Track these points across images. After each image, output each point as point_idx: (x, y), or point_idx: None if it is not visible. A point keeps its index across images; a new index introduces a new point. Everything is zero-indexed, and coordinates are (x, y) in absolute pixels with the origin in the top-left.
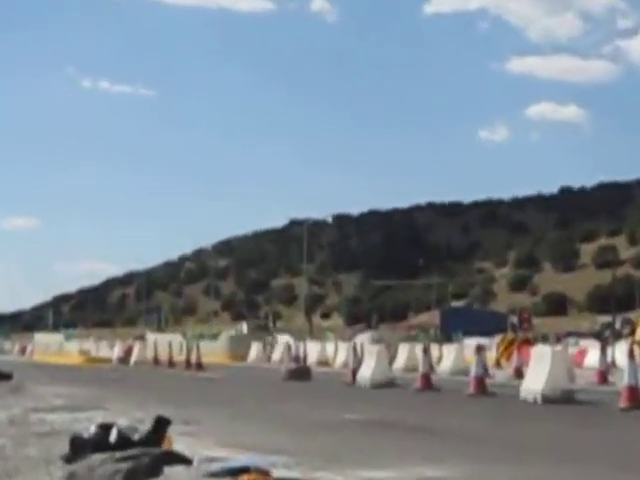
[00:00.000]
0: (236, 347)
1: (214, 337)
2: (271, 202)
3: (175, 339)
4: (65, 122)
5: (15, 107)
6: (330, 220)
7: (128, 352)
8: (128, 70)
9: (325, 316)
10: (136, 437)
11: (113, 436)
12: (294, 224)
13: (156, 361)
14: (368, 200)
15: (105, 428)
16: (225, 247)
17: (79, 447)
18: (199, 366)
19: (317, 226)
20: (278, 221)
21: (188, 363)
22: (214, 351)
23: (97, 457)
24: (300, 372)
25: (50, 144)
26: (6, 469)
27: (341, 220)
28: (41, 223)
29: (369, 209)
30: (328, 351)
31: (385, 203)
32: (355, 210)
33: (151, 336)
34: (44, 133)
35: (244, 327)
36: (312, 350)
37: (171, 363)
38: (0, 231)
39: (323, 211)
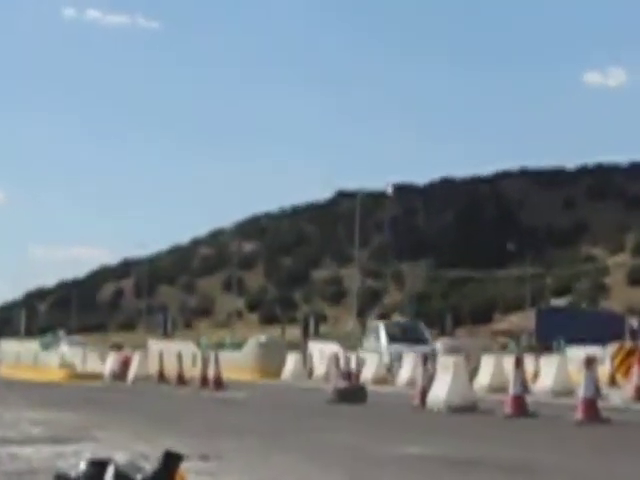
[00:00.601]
0: (267, 359)
1: (238, 346)
2: (311, 168)
3: (186, 348)
4: (39, 63)
5: None
6: (390, 192)
7: (125, 365)
8: None
9: (383, 317)
10: (139, 478)
11: (109, 476)
12: (342, 197)
13: (162, 377)
14: (439, 165)
15: (98, 466)
16: (251, 227)
17: None
18: (218, 384)
19: (372, 199)
20: (321, 193)
21: (204, 380)
22: (238, 364)
23: None
24: (352, 392)
25: (20, 91)
26: None
27: (404, 192)
28: (8, 196)
29: (440, 177)
30: (388, 364)
31: (462, 169)
32: (422, 179)
33: (155, 344)
34: (10, 76)
35: (276, 333)
36: (367, 363)
37: (181, 380)
38: None
39: (380, 180)
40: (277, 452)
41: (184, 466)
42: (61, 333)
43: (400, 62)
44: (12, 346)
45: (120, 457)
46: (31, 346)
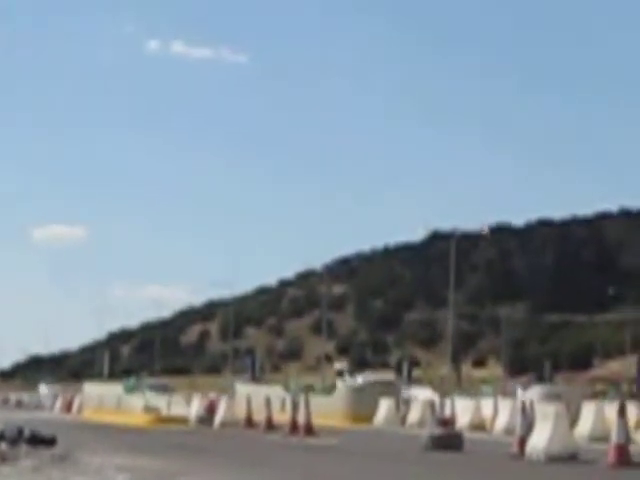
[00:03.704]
0: (358, 404)
1: (328, 391)
2: (405, 207)
3: (275, 393)
4: (122, 95)
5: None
6: (486, 232)
7: (211, 410)
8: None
9: (479, 363)
10: None
11: None
12: (436, 238)
13: (249, 422)
14: (537, 205)
15: None
16: (342, 268)
17: None
18: (309, 429)
19: (468, 240)
20: (415, 234)
21: (294, 425)
22: (328, 409)
23: None
24: (447, 439)
25: (103, 124)
26: None
27: (500, 233)
28: (90, 233)
29: (538, 218)
30: (484, 411)
31: (560, 209)
32: (519, 219)
33: (242, 388)
34: (95, 107)
35: (368, 377)
36: (462, 409)
37: (270, 425)
38: (34, 242)
39: (476, 220)
40: None
41: None
42: (145, 378)
43: (495, 99)
44: (95, 389)
45: None
46: (115, 389)
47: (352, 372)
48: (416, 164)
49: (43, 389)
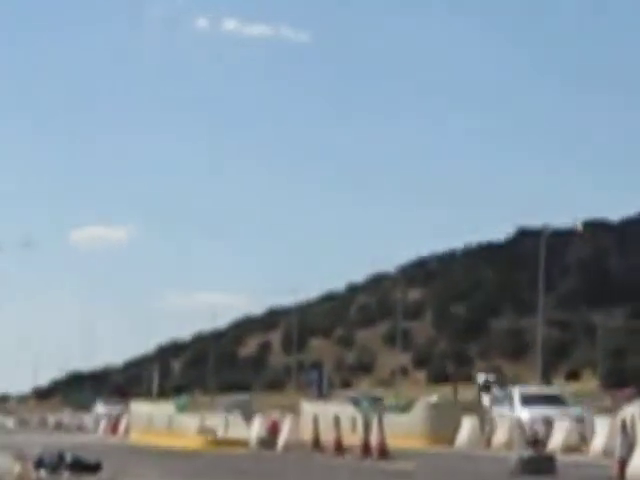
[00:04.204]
0: (438, 424)
1: (404, 408)
2: (489, 204)
3: (344, 411)
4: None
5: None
6: (579, 229)
7: (274, 431)
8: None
9: (572, 376)
10: None
11: None
12: (524, 235)
13: (316, 444)
14: (634, 200)
15: None
16: (418, 271)
17: None
18: (383, 452)
19: (559, 239)
20: (500, 232)
21: (366, 448)
22: (404, 429)
23: None
24: (539, 462)
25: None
26: None
27: (596, 230)
28: (137, 235)
29: (636, 212)
30: (579, 430)
31: None
32: (616, 215)
33: (308, 407)
34: (134, 91)
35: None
36: (555, 428)
37: (339, 447)
38: (73, 244)
39: (568, 217)
40: None
41: None
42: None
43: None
44: (144, 408)
45: None
46: (165, 408)
47: (501, 383)
48: (497, 155)
49: (100, 408)
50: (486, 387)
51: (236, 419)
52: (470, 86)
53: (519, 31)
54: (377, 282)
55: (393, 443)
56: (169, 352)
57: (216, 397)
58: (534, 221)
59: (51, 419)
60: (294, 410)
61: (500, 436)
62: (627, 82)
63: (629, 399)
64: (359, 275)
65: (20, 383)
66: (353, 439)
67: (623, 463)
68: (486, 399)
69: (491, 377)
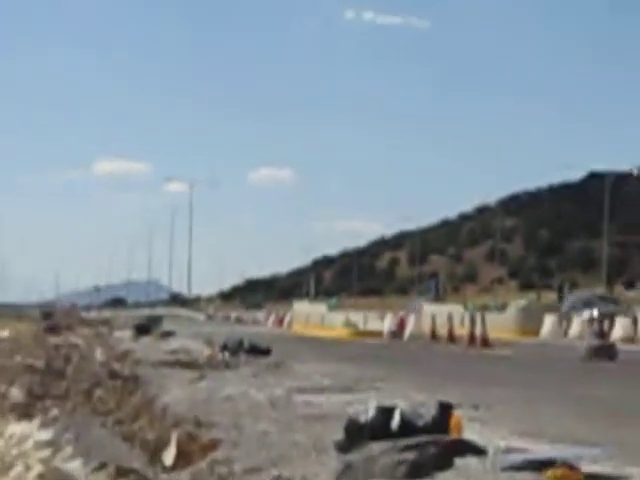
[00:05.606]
0: (527, 320)
1: (501, 308)
2: (568, 152)
3: (455, 310)
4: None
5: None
6: (636, 173)
7: (401, 325)
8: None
9: (630, 285)
10: (420, 423)
11: (395, 422)
12: (594, 177)
13: (434, 335)
14: None
15: (386, 412)
16: (513, 204)
17: (355, 433)
18: (485, 342)
19: (620, 180)
20: (575, 174)
21: (471, 338)
22: (501, 325)
23: (377, 445)
24: (603, 349)
25: (307, 88)
26: (271, 457)
27: None
28: (297, 175)
29: None
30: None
31: None
32: None
33: (427, 307)
34: (298, 75)
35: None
36: (617, 324)
37: (451, 338)
38: (249, 184)
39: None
40: (540, 403)
41: (458, 414)
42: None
43: None
44: (303, 307)
45: (403, 405)
46: (319, 308)
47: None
48: (579, 111)
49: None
50: (560, 291)
51: (372, 316)
52: None
53: None
54: (481, 212)
55: (492, 335)
56: (322, 265)
57: (360, 299)
58: (602, 166)
59: (232, 315)
60: (416, 309)
61: (574, 330)
62: None
63: None
64: (468, 206)
65: (209, 287)
66: (462, 332)
67: None
68: (565, 303)
69: (567, 285)
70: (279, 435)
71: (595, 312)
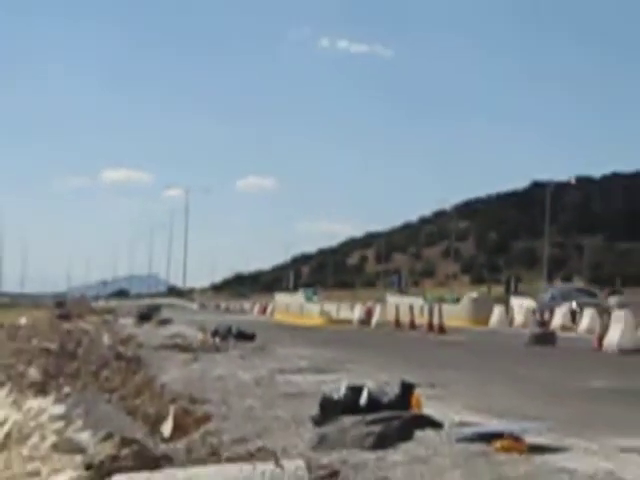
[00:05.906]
0: (477, 311)
1: (455, 300)
2: (514, 164)
3: (416, 302)
4: (302, 86)
5: (243, 67)
6: (573, 182)
7: (369, 314)
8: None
9: (566, 279)
10: (385, 400)
11: (363, 399)
12: (537, 186)
13: (397, 323)
14: (611, 162)
15: (355, 390)
16: (466, 209)
17: (329, 409)
18: (441, 329)
19: (560, 188)
20: (521, 183)
21: (430, 326)
22: (455, 314)
23: (348, 419)
24: (544, 336)
25: (289, 106)
26: (256, 430)
27: (583, 182)
28: (279, 183)
29: (612, 172)
30: (572, 316)
31: (629, 166)
32: (598, 172)
33: (391, 299)
34: (276, 94)
35: (484, 291)
36: (556, 315)
37: (412, 326)
38: (238, 191)
39: (566, 173)
40: (489, 383)
41: (417, 392)
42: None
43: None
44: (283, 298)
45: (370, 384)
46: (297, 298)
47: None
48: (523, 128)
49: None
50: (508, 285)
51: (344, 306)
52: None
53: None
54: (438, 216)
55: (448, 324)
56: (301, 261)
57: (334, 291)
58: (544, 176)
59: (222, 304)
60: (382, 301)
61: (519, 319)
62: None
63: (606, 296)
64: (427, 210)
65: (202, 280)
66: (421, 320)
67: (600, 338)
68: (545, 295)
69: (513, 280)
70: (263, 410)
71: (574, 304)
